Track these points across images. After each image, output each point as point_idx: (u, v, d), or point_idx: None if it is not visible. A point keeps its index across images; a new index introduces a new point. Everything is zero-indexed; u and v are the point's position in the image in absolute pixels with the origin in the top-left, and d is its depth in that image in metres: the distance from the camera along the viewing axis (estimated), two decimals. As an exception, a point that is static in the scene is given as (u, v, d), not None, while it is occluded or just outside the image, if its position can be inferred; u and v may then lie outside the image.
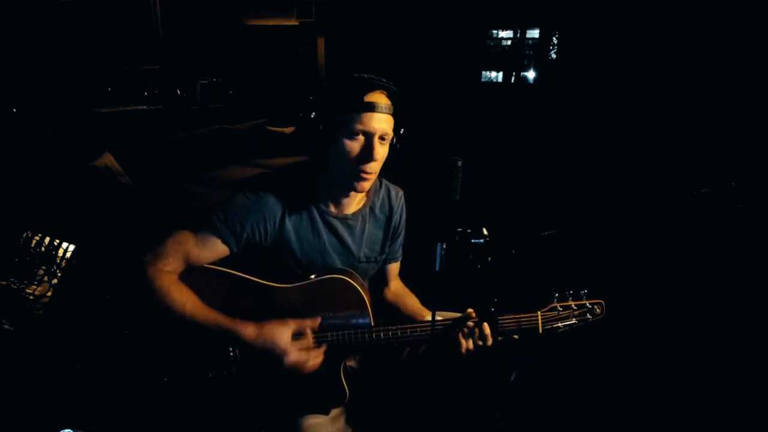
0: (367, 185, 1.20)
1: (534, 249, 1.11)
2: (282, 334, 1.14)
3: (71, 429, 1.24)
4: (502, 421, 1.29)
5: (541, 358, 1.97)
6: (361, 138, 1.15)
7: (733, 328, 2.35)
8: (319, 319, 1.20)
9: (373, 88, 1.14)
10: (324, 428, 1.23)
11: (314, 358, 1.17)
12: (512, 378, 1.33)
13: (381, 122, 1.14)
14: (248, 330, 1.13)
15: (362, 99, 1.13)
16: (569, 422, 1.89)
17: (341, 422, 1.29)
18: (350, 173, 1.17)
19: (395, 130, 1.20)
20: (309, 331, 1.18)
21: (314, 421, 1.22)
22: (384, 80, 1.16)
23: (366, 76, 1.15)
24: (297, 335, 1.17)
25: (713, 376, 2.08)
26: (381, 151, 1.17)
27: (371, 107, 1.13)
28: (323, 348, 1.19)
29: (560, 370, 2.12)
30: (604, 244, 2.88)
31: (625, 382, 2.07)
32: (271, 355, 1.13)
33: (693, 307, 2.49)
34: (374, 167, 1.17)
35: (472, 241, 1.04)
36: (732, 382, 2.04)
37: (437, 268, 1.01)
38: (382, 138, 1.16)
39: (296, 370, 1.15)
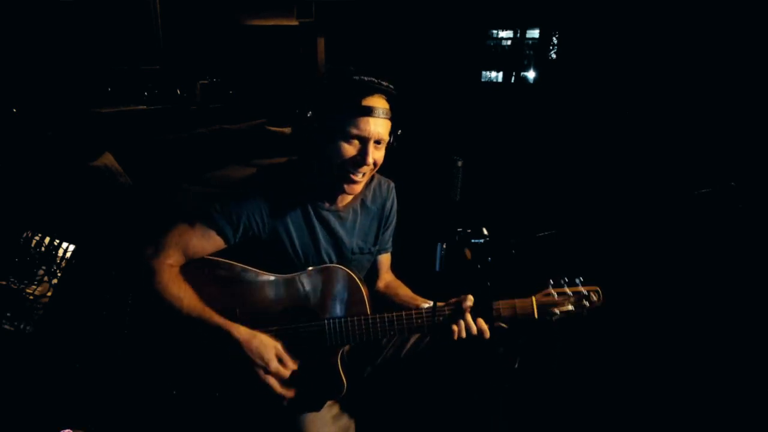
0: (357, 188, 1.22)
1: (534, 249, 1.11)
2: (269, 348, 1.17)
3: (71, 429, 1.24)
4: (502, 420, 1.29)
5: (538, 359, 1.97)
6: (356, 141, 1.16)
7: (734, 329, 2.34)
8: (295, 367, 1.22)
9: (372, 92, 1.14)
10: (325, 426, 1.23)
11: (288, 389, 1.20)
12: (512, 376, 1.33)
13: (377, 126, 1.15)
14: (240, 331, 1.16)
15: (360, 103, 1.13)
16: (568, 423, 1.89)
17: (342, 421, 1.30)
18: (341, 175, 1.19)
19: (392, 132, 1.21)
20: (292, 359, 1.21)
21: (316, 420, 1.23)
22: (384, 83, 1.16)
23: (365, 78, 1.14)
24: (281, 360, 1.19)
25: (714, 378, 2.07)
26: (376, 155, 1.18)
27: (369, 111, 1.13)
28: (297, 375, 1.21)
29: (559, 372, 2.12)
30: (605, 244, 2.88)
31: (626, 383, 2.07)
32: (256, 362, 1.17)
33: (694, 308, 2.49)
34: (366, 171, 1.19)
35: (472, 241, 1.04)
36: (733, 383, 2.04)
37: (437, 268, 1.01)
38: (377, 142, 1.17)
39: (272, 385, 1.18)
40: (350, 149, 1.16)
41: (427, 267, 1.05)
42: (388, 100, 1.17)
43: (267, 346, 1.17)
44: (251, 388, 1.21)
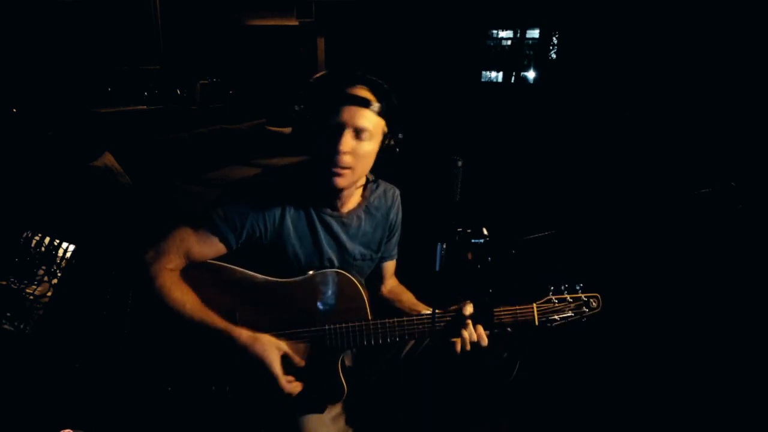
0: (341, 181, 1.16)
1: (533, 249, 1.11)
2: (272, 349, 1.17)
3: (71, 429, 1.24)
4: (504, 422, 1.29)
5: (542, 358, 1.97)
6: (336, 131, 1.13)
7: (734, 329, 2.34)
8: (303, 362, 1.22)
9: (354, 82, 1.13)
10: (324, 428, 1.23)
11: (295, 384, 1.20)
12: (511, 378, 1.33)
13: (356, 115, 1.12)
14: (243, 336, 1.15)
15: (339, 91, 1.12)
16: (569, 423, 1.89)
17: (341, 423, 1.30)
18: (324, 167, 1.15)
19: (389, 130, 1.19)
20: (297, 358, 1.21)
21: (315, 421, 1.23)
22: (370, 76, 1.15)
23: (348, 69, 1.15)
24: (285, 357, 1.19)
25: (715, 378, 2.07)
26: (357, 147, 1.14)
27: (347, 100, 1.11)
28: (299, 377, 1.21)
29: (560, 372, 2.12)
30: (605, 245, 2.88)
31: (626, 383, 2.07)
32: (260, 366, 1.16)
33: (693, 308, 2.49)
34: (346, 161, 1.13)
35: (472, 241, 1.04)
36: (733, 384, 2.04)
37: (437, 268, 1.01)
38: (357, 132, 1.13)
39: (278, 384, 1.18)
40: (329, 139, 1.13)
41: (428, 267, 1.05)
42: (374, 93, 1.14)
43: (269, 349, 1.16)
44: (253, 390, 1.21)
